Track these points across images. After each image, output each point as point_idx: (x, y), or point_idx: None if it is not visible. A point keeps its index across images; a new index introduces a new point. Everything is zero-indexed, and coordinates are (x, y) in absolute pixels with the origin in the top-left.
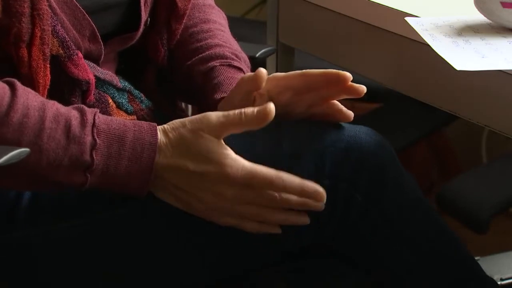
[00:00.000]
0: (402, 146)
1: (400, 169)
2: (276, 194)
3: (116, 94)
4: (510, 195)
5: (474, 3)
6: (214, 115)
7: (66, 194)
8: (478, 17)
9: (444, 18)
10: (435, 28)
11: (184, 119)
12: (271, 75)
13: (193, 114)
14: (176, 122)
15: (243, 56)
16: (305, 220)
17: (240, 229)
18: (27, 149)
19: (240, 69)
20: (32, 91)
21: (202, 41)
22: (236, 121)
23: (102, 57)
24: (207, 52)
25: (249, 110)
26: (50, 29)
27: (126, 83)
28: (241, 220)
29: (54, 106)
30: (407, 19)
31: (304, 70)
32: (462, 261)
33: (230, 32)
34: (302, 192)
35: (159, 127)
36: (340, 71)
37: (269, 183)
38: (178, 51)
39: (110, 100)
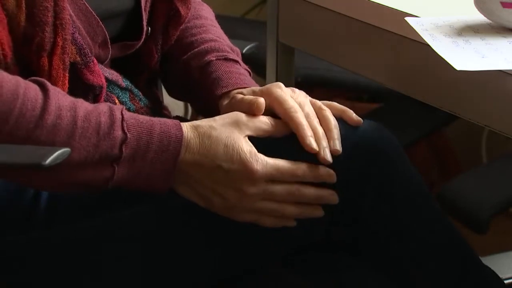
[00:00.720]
0: (402, 146)
1: (407, 164)
2: (295, 190)
3: (120, 94)
4: (510, 195)
5: (474, 3)
6: (244, 115)
7: (83, 195)
8: (478, 17)
9: (444, 18)
10: (435, 28)
11: (213, 117)
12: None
13: (192, 114)
14: (205, 119)
15: (236, 49)
16: (319, 213)
17: (257, 224)
18: (68, 149)
19: (236, 61)
20: (61, 90)
21: (196, 35)
22: (267, 125)
23: (107, 60)
24: (202, 46)
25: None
26: (70, 38)
27: (128, 82)
28: (259, 216)
29: (83, 105)
30: (407, 19)
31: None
32: (464, 255)
33: (220, 28)
34: (317, 177)
35: (187, 123)
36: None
37: (292, 176)
38: (172, 47)
39: (117, 100)
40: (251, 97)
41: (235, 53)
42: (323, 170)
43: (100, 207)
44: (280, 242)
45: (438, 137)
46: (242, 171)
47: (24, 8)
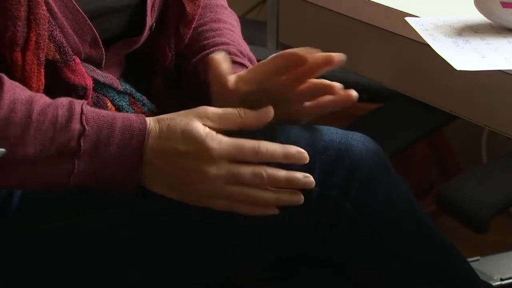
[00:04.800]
0: (402, 146)
1: (392, 178)
2: (262, 171)
3: (116, 97)
4: (510, 195)
5: (474, 3)
6: (211, 107)
7: (57, 193)
8: (478, 17)
9: (444, 18)
10: (435, 28)
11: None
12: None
13: None
14: (174, 113)
15: (250, 55)
16: (298, 198)
17: (234, 212)
18: (2, 150)
19: (242, 65)
20: (20, 85)
21: (209, 39)
22: (234, 116)
23: (104, 61)
24: (211, 49)
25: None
26: (46, 34)
27: (128, 86)
28: (233, 203)
29: (42, 99)
30: (407, 19)
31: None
32: (454, 272)
33: (240, 34)
34: (286, 156)
35: (152, 117)
36: (290, 53)
37: (254, 153)
38: (186, 49)
39: (109, 103)
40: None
41: (246, 58)
42: (292, 148)
43: (76, 207)
44: (253, 254)
45: (438, 137)
46: (199, 150)
47: None
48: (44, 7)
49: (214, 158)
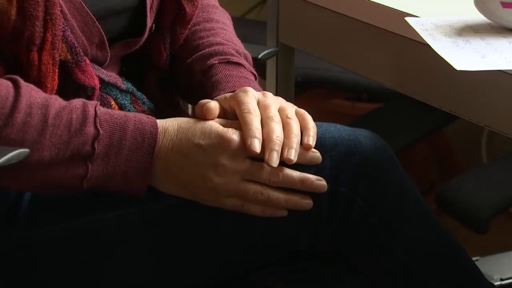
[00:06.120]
0: (402, 146)
1: (401, 173)
2: (278, 170)
3: (119, 96)
4: (510, 195)
5: (474, 3)
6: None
7: (66, 195)
8: (478, 17)
9: (444, 18)
10: (435, 28)
11: None
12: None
13: (193, 114)
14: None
15: (245, 53)
16: (307, 203)
17: (244, 212)
18: (26, 150)
19: (239, 64)
20: (35, 87)
21: (203, 38)
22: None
23: (107, 62)
24: (207, 50)
25: None
26: (61, 34)
27: (129, 85)
28: (245, 202)
29: (56, 102)
30: (407, 19)
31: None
32: (461, 268)
33: (234, 32)
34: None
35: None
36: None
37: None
38: (180, 49)
39: (113, 102)
40: (204, 101)
41: (242, 56)
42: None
43: (85, 208)
44: (263, 249)
45: (438, 137)
46: (220, 143)
47: (15, 2)
48: (58, 8)
49: (233, 151)
